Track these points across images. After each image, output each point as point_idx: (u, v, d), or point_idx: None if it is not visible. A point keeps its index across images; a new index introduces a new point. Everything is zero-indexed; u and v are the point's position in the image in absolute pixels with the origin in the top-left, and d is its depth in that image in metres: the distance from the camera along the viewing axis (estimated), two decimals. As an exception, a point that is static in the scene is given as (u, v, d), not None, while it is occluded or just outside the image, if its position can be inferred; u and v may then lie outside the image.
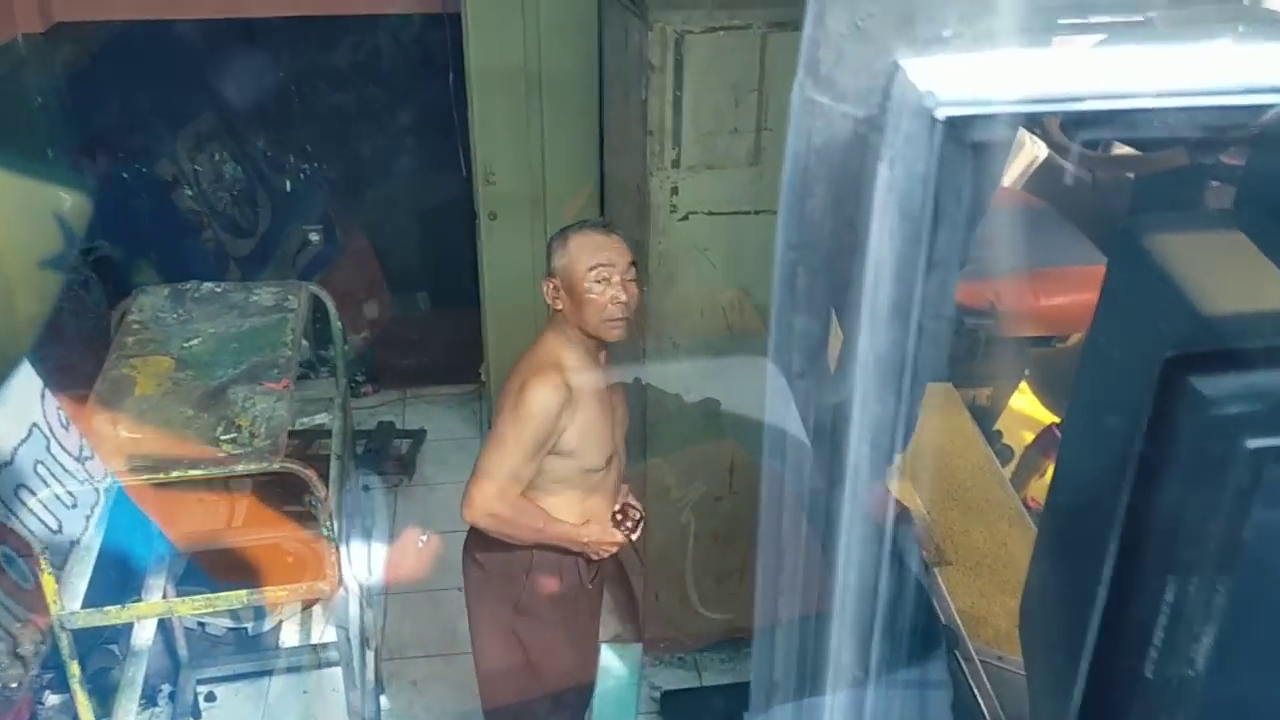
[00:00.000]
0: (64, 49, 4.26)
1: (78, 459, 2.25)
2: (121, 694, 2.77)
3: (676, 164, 3.00)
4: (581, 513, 2.50)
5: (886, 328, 0.69)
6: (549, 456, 2.39)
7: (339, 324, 3.17)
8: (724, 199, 3.06)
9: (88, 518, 2.32)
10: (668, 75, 2.89)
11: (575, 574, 2.57)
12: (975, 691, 1.73)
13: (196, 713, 3.41)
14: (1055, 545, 0.92)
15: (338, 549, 2.52)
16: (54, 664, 2.56)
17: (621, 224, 3.43)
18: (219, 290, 3.03)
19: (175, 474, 2.34)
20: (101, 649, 3.19)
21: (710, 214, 3.07)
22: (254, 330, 2.84)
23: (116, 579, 2.90)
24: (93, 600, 2.43)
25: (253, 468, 2.36)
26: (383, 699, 3.42)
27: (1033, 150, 3.09)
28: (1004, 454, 2.77)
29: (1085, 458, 0.85)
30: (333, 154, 4.70)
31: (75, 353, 3.96)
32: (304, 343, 2.98)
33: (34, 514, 2.17)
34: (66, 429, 2.26)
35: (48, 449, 2.20)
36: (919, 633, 1.14)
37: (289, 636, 3.74)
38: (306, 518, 3.06)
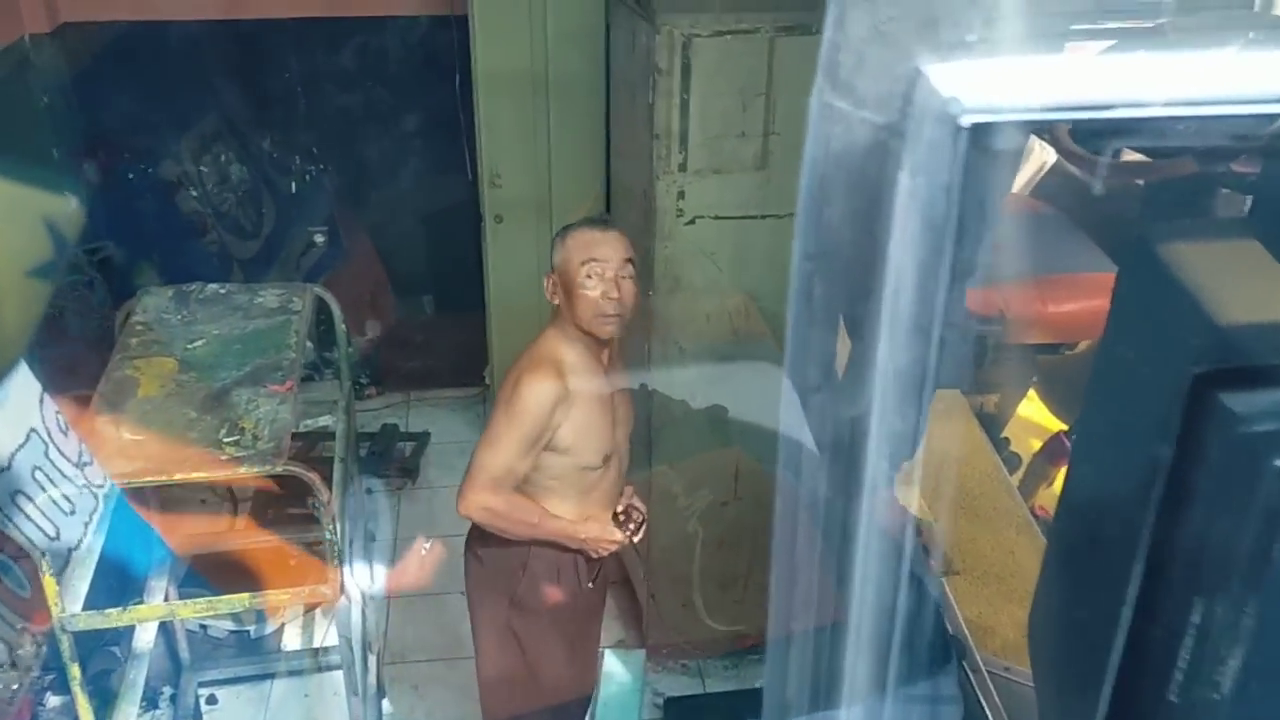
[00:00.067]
0: (70, 49, 4.25)
1: (76, 464, 2.22)
2: (122, 697, 2.76)
3: (683, 168, 2.99)
4: (580, 511, 2.49)
5: (907, 340, 0.68)
6: (545, 453, 2.39)
7: (343, 326, 3.16)
8: (731, 203, 3.04)
9: (86, 524, 2.30)
10: (675, 79, 2.88)
11: (573, 572, 2.56)
12: (983, 703, 1.72)
13: (198, 715, 3.40)
14: (1068, 560, 0.91)
15: (341, 552, 2.51)
16: (55, 665, 2.55)
17: (628, 228, 3.42)
18: (223, 291, 3.02)
19: (178, 477, 2.33)
20: (103, 651, 3.18)
21: (717, 218, 3.06)
22: (258, 332, 2.83)
23: (118, 581, 2.89)
24: (94, 602, 2.41)
25: (255, 471, 2.34)
26: (384, 703, 3.40)
27: (1040, 156, 3.08)
28: (1011, 461, 2.75)
29: (1102, 472, 0.84)
30: (338, 156, 4.70)
31: (79, 353, 3.96)
32: (308, 345, 2.96)
33: (31, 520, 2.14)
34: (65, 434, 2.24)
35: (46, 454, 2.18)
36: (930, 644, 1.12)
37: (291, 639, 3.72)
38: (309, 520, 3.06)
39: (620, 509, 2.60)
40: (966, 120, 0.63)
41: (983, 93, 0.63)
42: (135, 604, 2.78)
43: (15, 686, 2.53)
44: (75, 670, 2.36)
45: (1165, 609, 0.61)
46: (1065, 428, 2.78)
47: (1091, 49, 1.29)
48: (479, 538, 2.55)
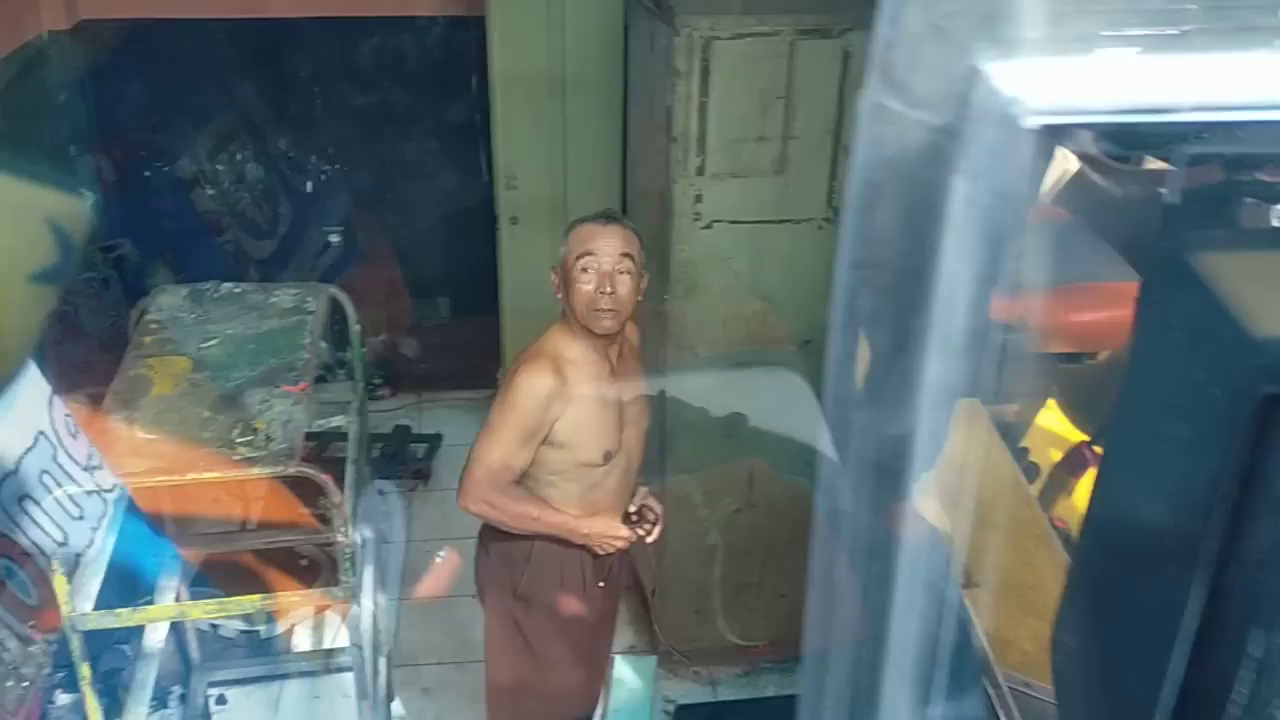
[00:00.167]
0: (88, 46, 4.26)
1: (85, 468, 2.20)
2: (132, 696, 2.75)
3: (701, 171, 2.97)
4: (584, 507, 2.48)
5: (961, 353, 0.65)
6: (543, 447, 2.39)
7: (357, 327, 3.15)
8: (749, 207, 3.02)
9: (94, 530, 2.27)
10: (694, 81, 2.86)
11: (578, 569, 2.55)
12: None
13: (207, 715, 3.39)
14: (1103, 581, 0.88)
15: (353, 554, 2.50)
16: (64, 664, 2.54)
17: (644, 231, 3.40)
18: (238, 291, 3.01)
19: (190, 477, 2.32)
20: (113, 649, 3.17)
21: (734, 223, 3.04)
22: (272, 332, 2.81)
23: (129, 579, 2.88)
24: (105, 601, 2.40)
25: (268, 472, 2.33)
26: (394, 706, 3.38)
27: (1061, 161, 3.04)
28: (1030, 471, 2.71)
29: (1145, 492, 0.81)
30: (355, 156, 4.69)
31: (92, 350, 3.96)
32: (322, 345, 2.95)
33: (38, 525, 2.12)
34: (75, 436, 2.21)
35: (54, 458, 2.15)
36: (959, 659, 1.10)
37: (301, 640, 3.71)
38: (321, 521, 3.04)
39: (633, 509, 2.58)
40: (1030, 122, 0.60)
41: (1047, 93, 0.61)
42: (146, 603, 2.77)
43: (25, 684, 2.53)
44: (85, 670, 2.35)
45: (1218, 638, 0.59)
46: (1087, 438, 2.74)
47: (1123, 53, 1.27)
48: (488, 529, 2.56)
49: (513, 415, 2.35)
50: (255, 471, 2.33)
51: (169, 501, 2.96)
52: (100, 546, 2.37)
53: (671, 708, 3.44)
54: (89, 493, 2.23)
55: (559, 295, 2.41)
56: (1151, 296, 0.90)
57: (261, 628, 3.60)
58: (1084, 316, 2.46)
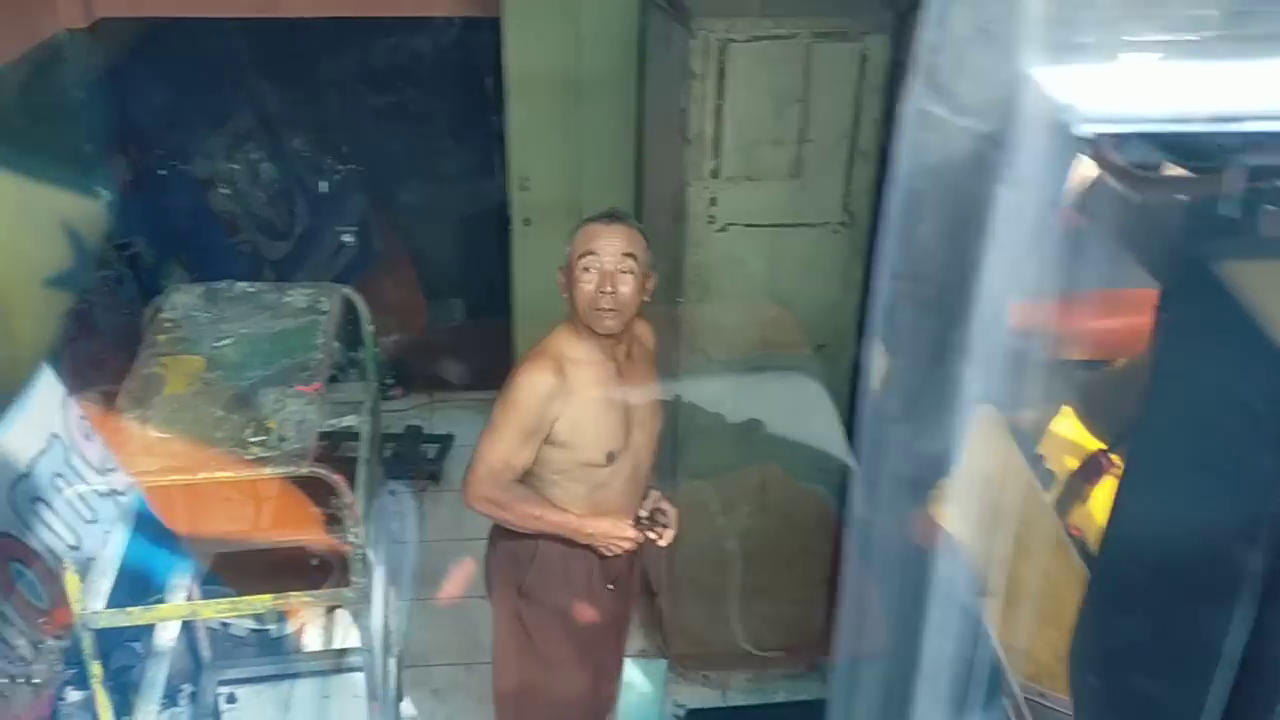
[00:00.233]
0: (105, 44, 4.27)
1: (99, 470, 2.19)
2: (142, 694, 2.75)
3: (716, 174, 2.96)
4: (589, 508, 2.48)
5: (1005, 365, 0.64)
6: (546, 446, 2.39)
7: (370, 327, 3.15)
8: (764, 211, 3.01)
9: (107, 533, 2.27)
10: (709, 84, 2.85)
11: (584, 569, 2.55)
12: (1017, 729, 1.67)
13: (216, 714, 3.39)
14: (1128, 600, 0.87)
15: (364, 555, 2.49)
16: (76, 660, 2.54)
17: (658, 234, 3.39)
18: (252, 290, 3.01)
19: (202, 476, 2.32)
20: (123, 647, 3.17)
21: (749, 226, 3.02)
22: (286, 332, 2.81)
23: (140, 577, 2.88)
24: (117, 598, 2.41)
25: (281, 471, 2.33)
26: (403, 706, 3.38)
27: (1080, 168, 3.02)
28: (1046, 479, 2.69)
29: (1172, 510, 0.79)
30: (369, 157, 4.69)
31: (106, 348, 3.96)
32: (334, 345, 2.95)
33: (51, 529, 2.11)
34: (89, 439, 2.21)
35: (67, 460, 2.15)
36: (979, 668, 1.09)
37: (311, 640, 3.71)
38: (332, 520, 3.04)
39: (645, 513, 2.57)
40: (1083, 130, 0.59)
41: (1101, 101, 0.59)
42: (157, 602, 2.78)
43: (38, 681, 2.53)
44: (96, 668, 2.35)
45: (1265, 657, 0.57)
46: (1103, 446, 2.72)
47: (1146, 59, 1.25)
48: (497, 527, 2.58)
49: (512, 413, 2.36)
50: (268, 471, 2.33)
51: (181, 500, 2.96)
52: (114, 543, 2.37)
53: (682, 712, 3.43)
54: (102, 495, 2.22)
55: (565, 295, 2.41)
56: (1177, 306, 0.89)
57: (272, 627, 3.61)
58: (1101, 323, 2.44)
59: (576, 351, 2.41)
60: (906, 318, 0.75)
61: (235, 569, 3.18)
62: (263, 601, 2.54)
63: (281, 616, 3.59)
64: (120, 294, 4.17)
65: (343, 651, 3.61)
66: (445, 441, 4.74)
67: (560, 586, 2.55)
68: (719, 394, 3.19)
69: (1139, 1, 0.66)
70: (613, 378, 2.44)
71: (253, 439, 2.38)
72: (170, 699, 3.33)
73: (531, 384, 2.35)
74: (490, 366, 4.82)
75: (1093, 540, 2.14)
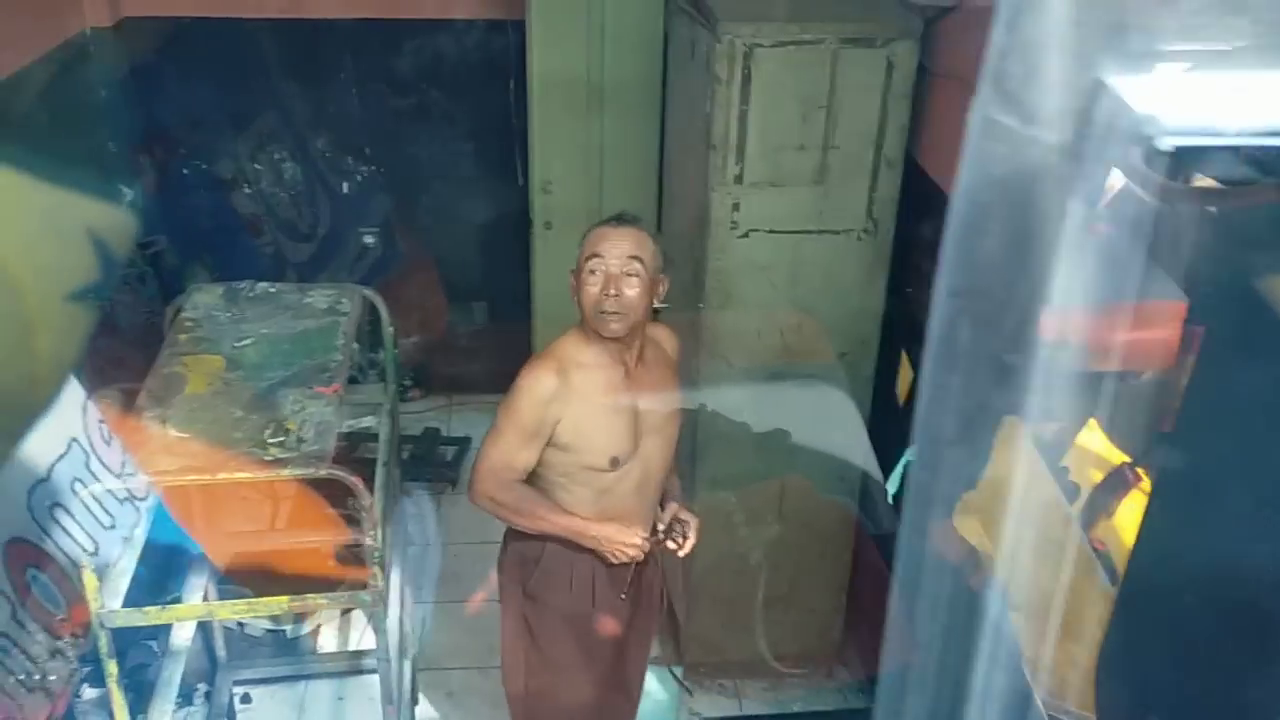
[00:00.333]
0: (130, 43, 4.28)
1: (118, 475, 2.17)
2: (158, 693, 2.75)
3: (739, 180, 2.94)
4: (596, 513, 2.46)
5: (1072, 385, 0.61)
6: (549, 448, 2.39)
7: (390, 329, 3.14)
8: (787, 217, 2.99)
9: (126, 539, 2.26)
10: (734, 89, 2.84)
11: (589, 574, 2.53)
12: (1040, 746, 1.64)
13: (231, 714, 3.39)
14: (1156, 623, 0.85)
15: (381, 557, 2.48)
16: (92, 658, 2.54)
17: (680, 239, 3.38)
18: (273, 291, 3.01)
19: (221, 476, 2.31)
20: (140, 645, 3.18)
21: (772, 232, 3.01)
22: (306, 333, 2.81)
23: (157, 576, 2.88)
24: (134, 598, 2.40)
25: (299, 473, 2.32)
26: (418, 710, 3.37)
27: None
28: (1070, 491, 2.66)
29: (1208, 534, 0.77)
30: (391, 158, 4.69)
31: (128, 346, 3.97)
32: (354, 346, 2.95)
33: (69, 535, 2.10)
34: (108, 443, 2.20)
35: (87, 465, 2.14)
36: (1013, 683, 1.06)
37: (327, 641, 3.71)
38: (350, 521, 3.03)
39: (662, 525, 2.55)
40: (1166, 143, 0.56)
41: (1185, 112, 0.56)
42: (173, 602, 2.78)
43: (54, 678, 2.53)
44: (112, 667, 2.35)
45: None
46: (1128, 459, 2.69)
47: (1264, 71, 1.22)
48: (509, 527, 2.57)
49: (512, 414, 2.37)
50: (286, 473, 2.32)
51: (200, 500, 2.96)
52: (132, 543, 2.37)
53: (697, 720, 3.41)
54: (121, 501, 2.21)
55: (574, 298, 2.40)
56: (1214, 320, 0.86)
57: (288, 627, 3.61)
58: (1148, 334, 2.41)
59: (583, 355, 2.40)
60: (965, 336, 0.72)
61: (252, 569, 3.18)
62: (279, 603, 2.54)
63: (297, 617, 3.59)
64: (143, 293, 4.18)
65: (358, 653, 3.61)
66: (463, 444, 4.74)
67: (565, 590, 2.55)
68: (739, 401, 3.17)
69: (1221, 8, 0.63)
70: (620, 382, 2.42)
71: (272, 440, 2.37)
72: (185, 698, 3.34)
73: (531, 386, 2.36)
74: (509, 370, 4.77)
75: (1117, 555, 2.11)
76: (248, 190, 4.59)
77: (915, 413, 0.82)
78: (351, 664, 3.60)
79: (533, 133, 4.14)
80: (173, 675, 2.79)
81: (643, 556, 2.49)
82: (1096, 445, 2.99)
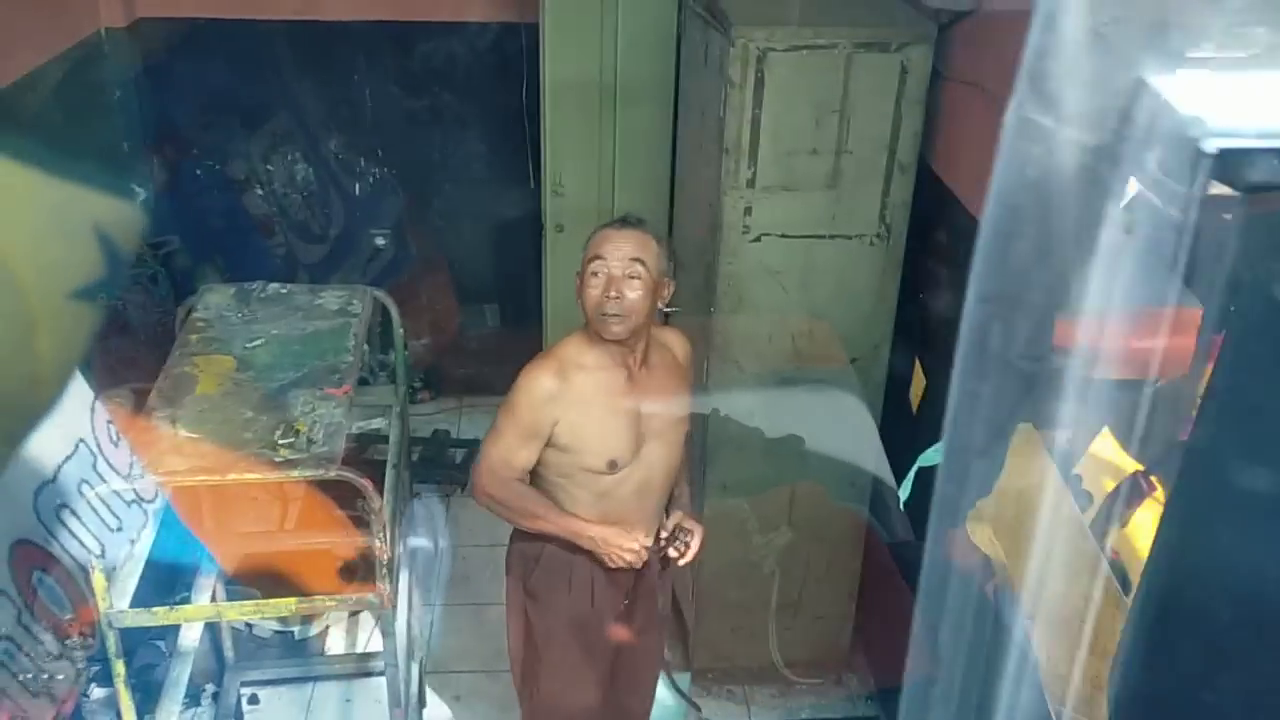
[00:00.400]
0: (144, 44, 4.29)
1: (126, 477, 2.16)
2: (166, 693, 2.75)
3: (751, 183, 2.93)
4: (596, 516, 2.46)
5: (1111, 397, 0.60)
6: (548, 449, 2.40)
7: (401, 331, 3.14)
8: (799, 222, 2.98)
9: (133, 541, 2.25)
10: (748, 92, 2.83)
11: (587, 577, 2.53)
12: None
13: (239, 715, 3.39)
14: (1173, 638, 0.83)
15: (390, 559, 2.48)
16: (101, 657, 2.53)
17: (691, 243, 3.37)
18: (284, 291, 3.01)
19: (231, 477, 2.31)
20: (148, 645, 3.18)
21: (784, 236, 2.99)
22: (317, 334, 2.81)
23: (166, 576, 2.87)
24: (142, 597, 2.40)
25: (309, 474, 2.32)
26: (425, 713, 3.36)
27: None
28: (1082, 499, 2.64)
29: (1225, 539, 0.75)
30: (403, 160, 4.69)
31: (139, 346, 3.98)
32: (365, 347, 2.94)
33: (76, 537, 2.09)
34: (116, 445, 2.18)
35: (94, 466, 2.12)
36: (1025, 694, 1.05)
37: (334, 642, 3.71)
38: (358, 522, 3.03)
39: (665, 532, 2.54)
40: (1212, 145, 0.54)
41: (1232, 113, 0.54)
42: (182, 602, 2.77)
43: (61, 677, 2.52)
44: (120, 667, 2.35)
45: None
46: (1142, 467, 2.67)
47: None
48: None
49: (511, 413, 2.39)
50: (296, 474, 2.32)
51: (209, 501, 2.96)
52: (141, 544, 2.36)
53: (705, 726, 3.39)
54: (129, 503, 2.20)
55: (579, 300, 2.40)
56: (1236, 329, 0.85)
57: (296, 628, 3.60)
58: (1146, 342, 2.39)
59: (585, 357, 2.40)
60: (996, 345, 0.71)
61: (260, 570, 3.17)
62: (287, 604, 2.54)
63: (305, 619, 3.59)
64: (154, 293, 4.19)
65: (366, 655, 3.60)
66: (473, 447, 4.72)
67: (563, 590, 2.55)
68: (750, 406, 3.15)
69: (1267, 4, 0.61)
70: (622, 386, 2.41)
71: (282, 441, 2.37)
72: (193, 699, 3.34)
73: (529, 386, 2.37)
74: (520, 372, 4.81)
75: (1130, 564, 2.09)
76: (260, 191, 4.60)
77: (944, 422, 0.81)
78: (359, 666, 3.59)
79: (545, 135, 4.13)
80: (180, 676, 2.79)
81: (641, 563, 2.48)
82: (1108, 453, 2.97)
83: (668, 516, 2.60)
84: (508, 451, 2.40)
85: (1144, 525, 2.30)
